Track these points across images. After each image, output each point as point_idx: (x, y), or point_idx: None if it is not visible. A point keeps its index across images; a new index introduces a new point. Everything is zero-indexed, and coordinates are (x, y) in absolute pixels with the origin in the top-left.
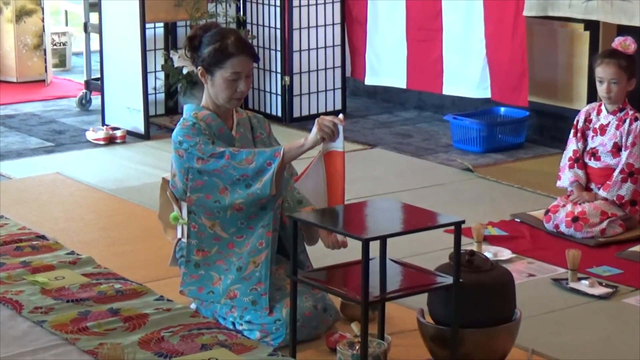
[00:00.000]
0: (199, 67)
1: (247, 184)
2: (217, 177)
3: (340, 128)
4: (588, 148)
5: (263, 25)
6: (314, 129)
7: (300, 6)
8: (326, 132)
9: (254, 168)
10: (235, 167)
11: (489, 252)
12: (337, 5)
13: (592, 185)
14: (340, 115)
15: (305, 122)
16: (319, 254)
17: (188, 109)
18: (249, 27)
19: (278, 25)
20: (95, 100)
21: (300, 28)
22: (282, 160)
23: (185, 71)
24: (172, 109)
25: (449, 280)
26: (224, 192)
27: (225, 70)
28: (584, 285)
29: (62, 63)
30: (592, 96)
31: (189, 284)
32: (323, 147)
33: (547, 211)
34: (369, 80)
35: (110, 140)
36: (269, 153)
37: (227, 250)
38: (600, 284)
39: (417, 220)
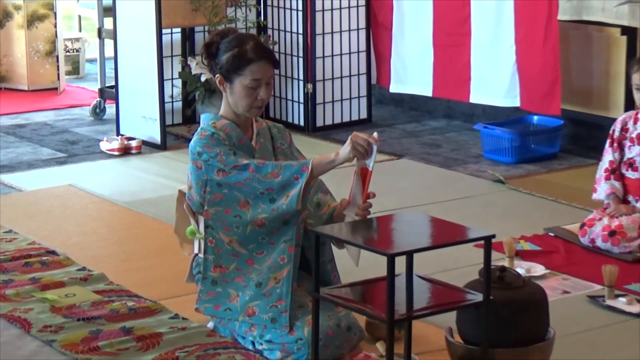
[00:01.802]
0: (217, 75)
1: (272, 199)
2: (238, 190)
3: (374, 148)
4: (625, 158)
5: (285, 31)
6: (347, 146)
7: (323, 10)
8: (359, 152)
9: (280, 182)
10: (260, 180)
11: (521, 267)
12: (362, 10)
13: (630, 198)
14: (375, 134)
15: (328, 132)
16: (345, 269)
17: (206, 118)
18: (269, 32)
19: (300, 31)
20: (110, 109)
21: (323, 33)
22: (310, 174)
23: (203, 78)
24: (190, 118)
25: (478, 297)
26: (245, 206)
27: (244, 77)
28: (621, 303)
29: (75, 70)
30: (630, 104)
31: (205, 301)
32: (357, 166)
33: (583, 225)
34: (394, 88)
35: (125, 151)
36: (296, 167)
37: (247, 266)
38: (639, 301)
39: (446, 234)
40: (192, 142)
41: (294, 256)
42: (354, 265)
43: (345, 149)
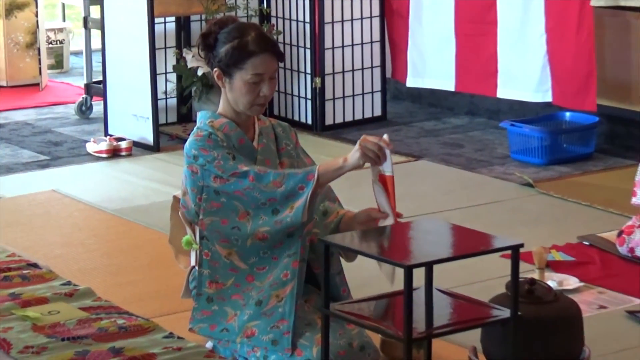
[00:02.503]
0: (215, 69)
1: (275, 210)
2: (237, 199)
3: (388, 151)
4: None
5: (290, 19)
6: (357, 151)
7: None
8: (370, 157)
9: (283, 192)
10: (262, 190)
11: (553, 280)
12: None
13: None
14: (385, 136)
15: (339, 131)
16: (356, 283)
17: (202, 117)
18: (273, 21)
19: (307, 19)
20: (97, 106)
21: (333, 22)
22: (316, 183)
23: (200, 72)
24: (186, 117)
25: (505, 313)
26: (244, 217)
27: (245, 71)
28: None
29: (58, 64)
30: None
31: (199, 320)
32: (373, 174)
33: (621, 232)
34: (412, 82)
35: (114, 153)
36: (301, 175)
37: (246, 283)
38: None
39: (469, 243)
40: (187, 144)
41: (299, 272)
42: (389, 283)
43: (354, 155)
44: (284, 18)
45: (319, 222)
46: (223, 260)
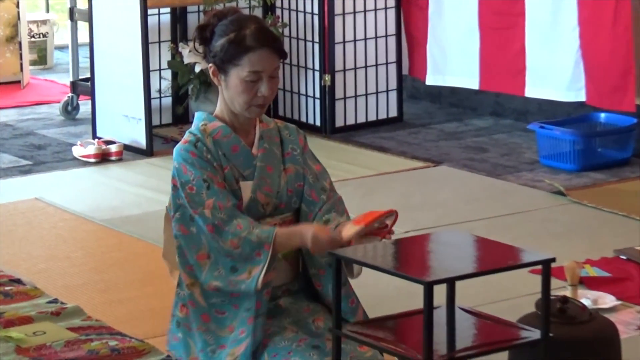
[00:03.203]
0: (210, 64)
1: (233, 267)
2: (205, 236)
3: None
4: None
5: (297, 11)
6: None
7: None
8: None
9: (240, 254)
10: (219, 245)
11: (587, 298)
12: None
13: None
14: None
15: (350, 134)
16: (371, 301)
17: (197, 118)
18: (278, 12)
19: (316, 10)
20: (84, 106)
21: (344, 13)
22: (272, 251)
23: (197, 69)
24: (182, 118)
25: (535, 334)
26: (203, 258)
27: (241, 68)
28: None
29: (41, 60)
30: None
31: (173, 345)
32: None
33: None
34: (431, 80)
35: (103, 158)
36: (256, 242)
37: (200, 322)
38: None
39: (495, 257)
40: (175, 149)
41: (254, 329)
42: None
43: (308, 243)
44: (290, 9)
45: None
46: (185, 289)
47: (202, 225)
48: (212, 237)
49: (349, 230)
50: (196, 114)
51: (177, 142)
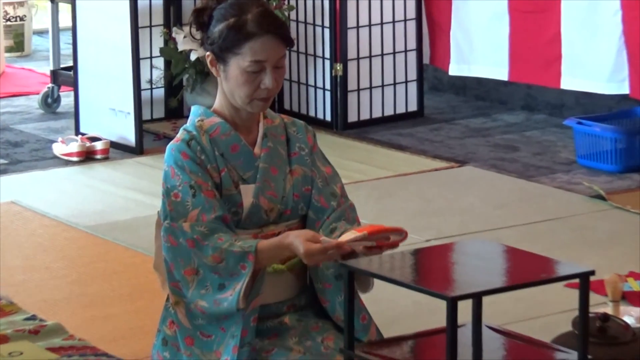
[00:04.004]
0: (208, 53)
1: (221, 285)
2: (190, 251)
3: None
4: None
5: None
6: (300, 253)
7: None
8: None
9: (225, 268)
10: (203, 261)
11: (630, 315)
12: None
13: None
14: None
15: (364, 130)
16: (387, 318)
17: (194, 113)
18: None
19: None
20: (66, 98)
21: None
22: (256, 262)
23: (193, 57)
24: (175, 111)
25: (572, 356)
26: (191, 274)
27: (241, 57)
28: None
29: (18, 46)
30: None
31: None
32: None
33: None
34: (455, 70)
35: (88, 156)
36: (239, 255)
37: (184, 345)
38: None
39: (526, 270)
40: (166, 149)
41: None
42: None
43: (298, 252)
44: None
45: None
46: (170, 309)
47: (182, 240)
48: (195, 253)
49: (346, 236)
50: (192, 108)
51: (170, 139)
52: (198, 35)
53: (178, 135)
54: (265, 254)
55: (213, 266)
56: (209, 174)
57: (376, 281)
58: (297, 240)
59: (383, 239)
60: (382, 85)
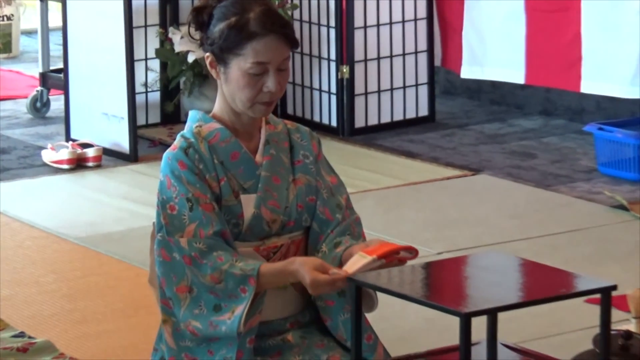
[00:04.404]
0: (208, 54)
1: (217, 306)
2: (186, 267)
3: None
4: None
5: None
6: (306, 281)
7: None
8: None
9: (224, 290)
10: (199, 279)
11: None
12: None
13: None
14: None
15: (372, 136)
16: (395, 335)
17: (191, 118)
18: None
19: None
20: (56, 102)
21: None
22: (258, 287)
23: (191, 59)
24: (172, 116)
25: None
26: (183, 292)
27: (243, 58)
28: None
29: (5, 47)
30: None
31: None
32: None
33: None
34: (468, 72)
35: (79, 164)
36: (240, 277)
37: None
38: None
39: (544, 284)
40: (163, 157)
41: None
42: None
43: (304, 279)
44: None
45: (327, 254)
46: (160, 328)
47: (178, 256)
48: (191, 270)
49: (355, 264)
50: (190, 113)
51: (166, 145)
52: (197, 35)
53: (175, 143)
54: (268, 279)
55: (210, 286)
56: (207, 184)
57: (384, 297)
58: (304, 268)
59: (392, 255)
60: (391, 89)
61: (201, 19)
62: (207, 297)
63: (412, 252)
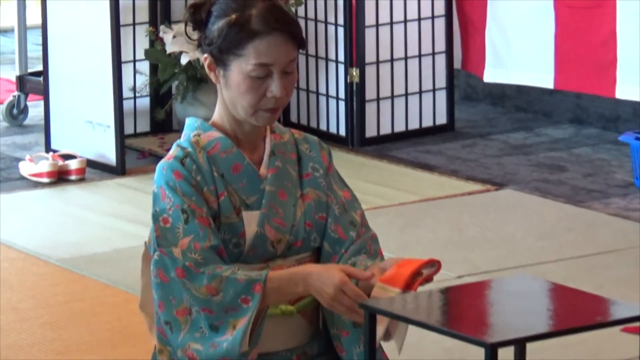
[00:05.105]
0: (205, 55)
1: (213, 326)
2: (179, 282)
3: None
4: None
5: None
6: (326, 296)
7: None
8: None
9: (220, 303)
10: (193, 293)
11: None
12: None
13: None
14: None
15: (385, 146)
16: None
17: (189, 126)
18: None
19: None
20: (35, 109)
21: None
22: (263, 297)
23: (184, 60)
24: (163, 124)
25: None
26: (183, 314)
27: (244, 59)
28: None
29: None
30: None
31: None
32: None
33: None
34: (491, 76)
35: (60, 177)
36: (244, 283)
37: None
38: None
39: (577, 311)
40: (157, 168)
41: None
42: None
43: (320, 295)
44: None
45: None
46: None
47: (172, 269)
48: (183, 285)
49: (377, 294)
50: (187, 121)
51: (156, 156)
52: (195, 35)
53: (171, 152)
54: (276, 284)
55: (204, 300)
56: (204, 198)
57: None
58: (329, 270)
59: (416, 280)
60: (406, 94)
61: (199, 17)
62: (203, 320)
63: (435, 264)
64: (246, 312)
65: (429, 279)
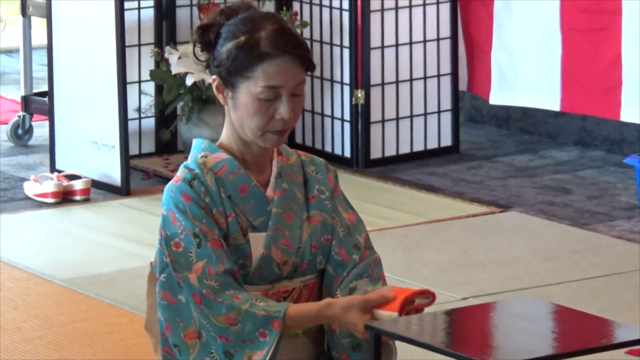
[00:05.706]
0: (214, 77)
1: (228, 353)
2: (196, 307)
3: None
4: None
5: (321, 5)
6: (358, 326)
7: None
8: None
9: (238, 333)
10: (211, 320)
11: None
12: None
13: None
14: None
15: (390, 168)
16: None
17: (196, 148)
18: (296, 7)
19: (346, 5)
20: (40, 129)
21: (382, 10)
22: (283, 329)
23: (190, 81)
24: (168, 145)
25: None
26: (192, 337)
27: (253, 82)
28: None
29: None
30: None
31: None
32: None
33: None
34: (497, 98)
35: (65, 197)
36: (263, 319)
37: None
38: None
39: (581, 334)
40: (165, 190)
41: None
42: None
43: (352, 326)
44: (311, 3)
45: None
46: None
47: (188, 294)
48: (202, 310)
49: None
50: (194, 142)
51: (161, 177)
52: (203, 56)
53: (178, 174)
54: (296, 323)
55: (222, 328)
56: (214, 219)
57: (403, 347)
58: (352, 314)
59: (408, 306)
60: (411, 116)
61: (207, 38)
62: (216, 344)
63: (429, 296)
64: (263, 346)
65: (419, 309)
